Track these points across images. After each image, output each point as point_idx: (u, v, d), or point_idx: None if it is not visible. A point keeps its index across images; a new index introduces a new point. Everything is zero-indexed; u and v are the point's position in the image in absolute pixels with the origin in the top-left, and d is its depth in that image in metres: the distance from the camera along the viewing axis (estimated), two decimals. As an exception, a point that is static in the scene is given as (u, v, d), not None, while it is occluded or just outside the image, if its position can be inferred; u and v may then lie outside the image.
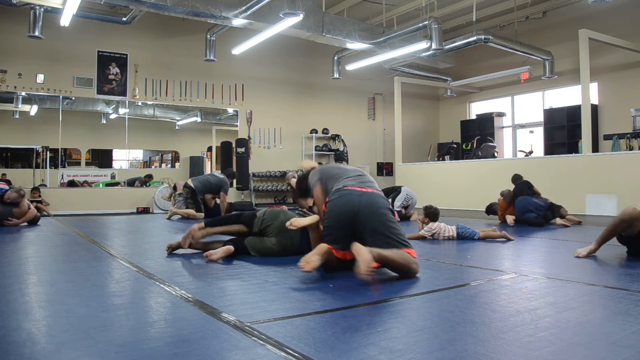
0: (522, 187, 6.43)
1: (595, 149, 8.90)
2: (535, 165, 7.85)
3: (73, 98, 8.93)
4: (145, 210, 9.11)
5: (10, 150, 9.51)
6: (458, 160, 10.48)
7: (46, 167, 9.20)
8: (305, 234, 3.41)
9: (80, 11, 7.23)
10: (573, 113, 9.31)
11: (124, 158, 10.54)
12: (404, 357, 1.43)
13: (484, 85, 11.77)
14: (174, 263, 3.35)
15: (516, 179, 6.72)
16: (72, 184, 9.28)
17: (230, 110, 10.37)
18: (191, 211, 7.27)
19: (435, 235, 4.51)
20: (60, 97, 8.78)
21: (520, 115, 11.46)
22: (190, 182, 7.51)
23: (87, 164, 10.04)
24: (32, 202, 6.83)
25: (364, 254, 2.29)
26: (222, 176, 7.70)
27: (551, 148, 9.88)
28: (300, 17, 6.90)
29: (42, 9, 7.14)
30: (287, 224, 2.98)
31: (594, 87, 9.23)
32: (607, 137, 8.91)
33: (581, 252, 3.39)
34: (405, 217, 6.93)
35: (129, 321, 1.85)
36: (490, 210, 6.87)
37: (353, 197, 2.68)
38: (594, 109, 9.21)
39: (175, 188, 7.90)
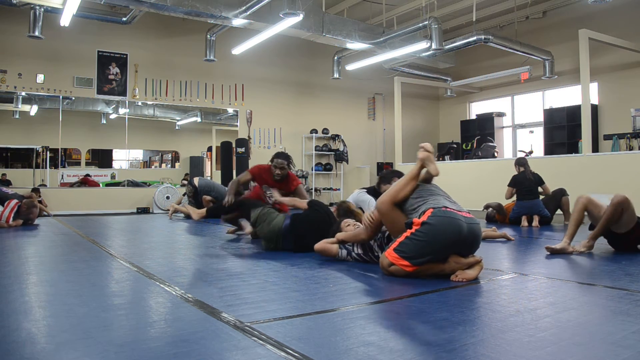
0: (527, 183, 5.91)
1: (595, 149, 8.89)
2: (535, 165, 7.84)
3: (73, 98, 8.93)
4: (145, 210, 9.11)
5: (10, 150, 9.52)
6: (458, 160, 10.48)
7: (46, 167, 9.20)
8: (291, 236, 3.56)
9: (80, 11, 7.23)
10: (573, 113, 9.31)
11: (124, 158, 10.54)
12: (404, 357, 1.43)
13: (484, 85, 11.77)
14: (174, 263, 3.36)
15: (522, 163, 6.19)
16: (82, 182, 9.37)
17: (230, 110, 10.37)
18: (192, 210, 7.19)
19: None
20: (60, 97, 8.78)
21: (520, 115, 11.46)
22: (195, 181, 7.41)
23: (87, 164, 10.04)
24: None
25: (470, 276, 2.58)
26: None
27: (551, 148, 9.88)
28: (300, 17, 6.90)
29: (42, 9, 7.14)
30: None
31: (594, 87, 9.23)
32: (607, 137, 8.90)
33: (577, 249, 3.46)
34: None
35: (129, 321, 1.85)
36: (491, 217, 6.57)
37: (461, 223, 2.52)
38: (594, 109, 9.21)
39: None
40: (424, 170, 2.88)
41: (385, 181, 3.30)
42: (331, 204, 7.22)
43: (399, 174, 3.25)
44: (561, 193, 6.09)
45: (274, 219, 3.66)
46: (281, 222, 3.62)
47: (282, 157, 4.52)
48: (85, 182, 9.40)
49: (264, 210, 3.76)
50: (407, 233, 2.56)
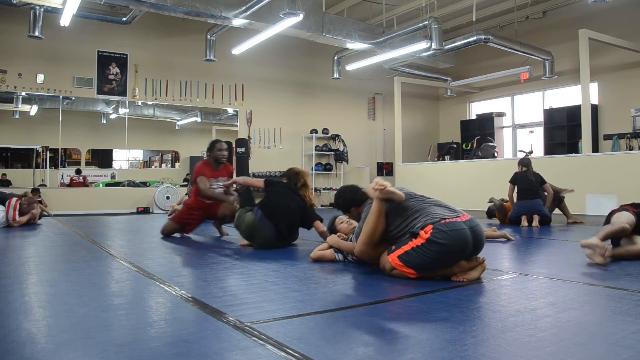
0: (527, 182, 5.91)
1: (595, 149, 8.89)
2: (536, 165, 7.86)
3: (73, 98, 8.93)
4: (145, 210, 9.10)
5: (10, 150, 9.52)
6: (458, 160, 10.48)
7: (46, 167, 9.20)
8: (270, 223, 3.71)
9: (80, 11, 7.23)
10: (573, 113, 9.31)
11: (124, 158, 10.54)
12: (404, 357, 1.43)
13: (484, 85, 11.77)
14: (174, 263, 3.36)
15: (525, 163, 6.18)
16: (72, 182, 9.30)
17: (230, 110, 10.37)
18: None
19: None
20: (60, 97, 8.78)
21: (520, 115, 11.46)
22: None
23: (87, 164, 10.04)
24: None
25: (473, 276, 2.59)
26: None
27: (551, 148, 9.88)
28: (300, 17, 6.89)
29: (42, 9, 7.14)
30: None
31: (594, 87, 9.23)
32: (607, 137, 8.90)
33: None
34: None
35: (129, 321, 1.86)
36: (491, 213, 6.61)
37: (465, 233, 2.48)
38: (594, 109, 9.21)
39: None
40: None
41: (345, 210, 3.07)
42: (331, 204, 7.20)
43: (353, 199, 2.97)
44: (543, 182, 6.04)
45: (246, 216, 3.82)
46: (252, 216, 3.78)
47: (222, 141, 4.87)
48: (71, 182, 9.34)
49: (239, 213, 3.93)
50: (413, 243, 2.49)
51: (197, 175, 4.65)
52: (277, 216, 3.77)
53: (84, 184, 9.46)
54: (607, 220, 3.53)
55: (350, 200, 2.99)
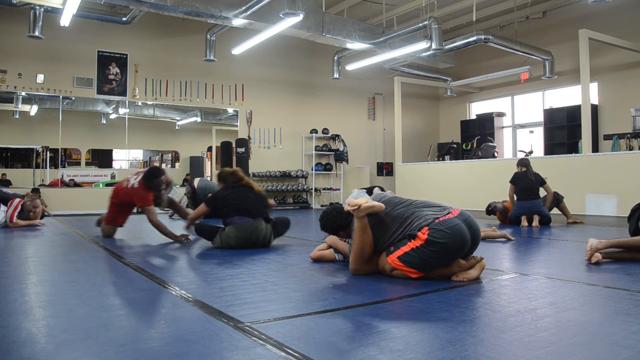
0: (527, 181, 5.87)
1: (595, 149, 8.90)
2: (536, 165, 7.87)
3: (73, 98, 8.93)
4: (144, 210, 9.08)
5: (10, 150, 9.52)
6: (458, 160, 10.48)
7: (46, 167, 9.20)
8: (244, 216, 3.83)
9: (80, 11, 7.23)
10: (573, 113, 9.31)
11: (124, 158, 10.54)
12: (404, 357, 1.43)
13: (484, 85, 11.77)
14: (174, 263, 3.36)
15: (524, 163, 6.12)
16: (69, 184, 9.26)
17: (230, 110, 10.37)
18: (191, 211, 7.19)
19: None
20: (60, 97, 8.78)
21: (520, 115, 11.46)
22: (195, 182, 7.46)
23: (87, 164, 10.05)
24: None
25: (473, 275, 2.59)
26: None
27: (551, 148, 9.89)
28: (300, 17, 6.90)
29: (42, 9, 7.15)
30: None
31: (594, 87, 9.23)
32: (607, 137, 8.91)
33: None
34: None
35: (129, 321, 1.86)
36: (491, 211, 6.60)
37: (462, 228, 2.47)
38: (594, 109, 9.22)
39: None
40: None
41: (334, 234, 3.02)
42: (331, 204, 7.19)
43: (339, 221, 2.87)
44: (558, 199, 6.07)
45: (225, 231, 3.87)
46: (231, 227, 3.85)
47: (162, 175, 4.84)
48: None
49: (217, 238, 3.94)
50: (412, 244, 2.48)
51: (145, 204, 4.73)
52: (244, 208, 3.87)
53: (63, 182, 9.32)
54: (630, 217, 3.43)
55: (337, 225, 2.90)
